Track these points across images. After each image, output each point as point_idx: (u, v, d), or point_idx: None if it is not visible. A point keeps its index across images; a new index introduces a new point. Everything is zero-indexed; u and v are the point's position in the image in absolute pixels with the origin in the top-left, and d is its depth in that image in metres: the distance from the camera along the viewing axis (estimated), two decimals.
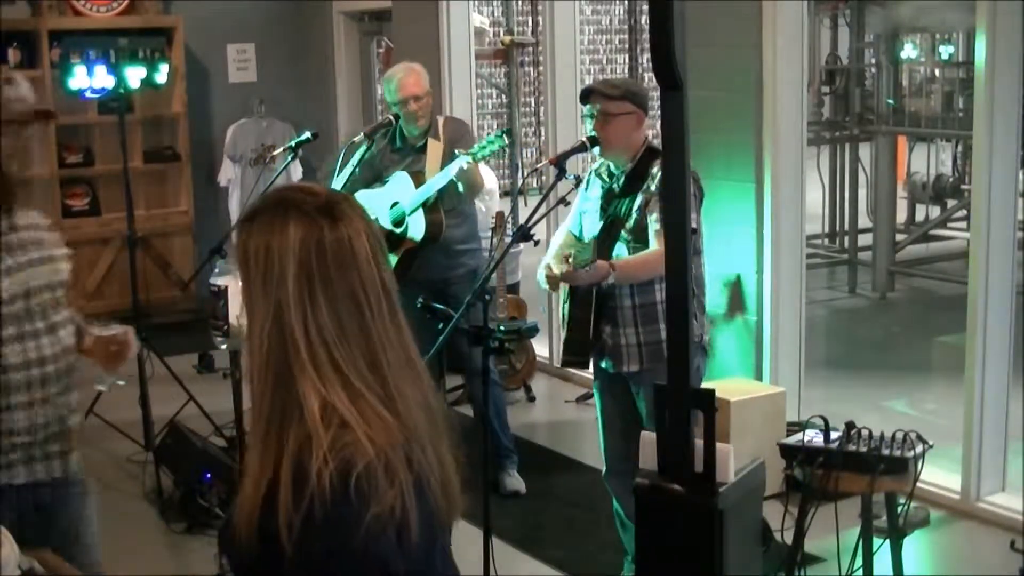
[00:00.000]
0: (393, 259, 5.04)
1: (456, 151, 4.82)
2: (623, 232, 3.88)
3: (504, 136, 4.61)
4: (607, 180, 4.01)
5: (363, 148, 5.10)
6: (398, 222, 4.99)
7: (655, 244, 3.74)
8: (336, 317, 1.58)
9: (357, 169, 5.05)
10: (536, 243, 4.73)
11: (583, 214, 4.10)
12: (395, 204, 5.00)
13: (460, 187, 4.83)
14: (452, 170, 4.70)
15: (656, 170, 3.79)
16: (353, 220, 1.62)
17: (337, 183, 5.08)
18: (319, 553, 1.50)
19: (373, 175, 5.14)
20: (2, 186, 2.78)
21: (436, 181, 4.84)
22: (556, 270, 3.98)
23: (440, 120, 5.16)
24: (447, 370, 5.35)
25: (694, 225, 3.77)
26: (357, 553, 1.51)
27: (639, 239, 3.84)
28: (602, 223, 3.93)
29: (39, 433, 2.81)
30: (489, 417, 5.18)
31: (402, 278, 5.07)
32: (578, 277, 3.75)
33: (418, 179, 4.94)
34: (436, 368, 4.16)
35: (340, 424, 1.54)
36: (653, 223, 3.76)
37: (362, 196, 5.12)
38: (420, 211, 4.93)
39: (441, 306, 4.08)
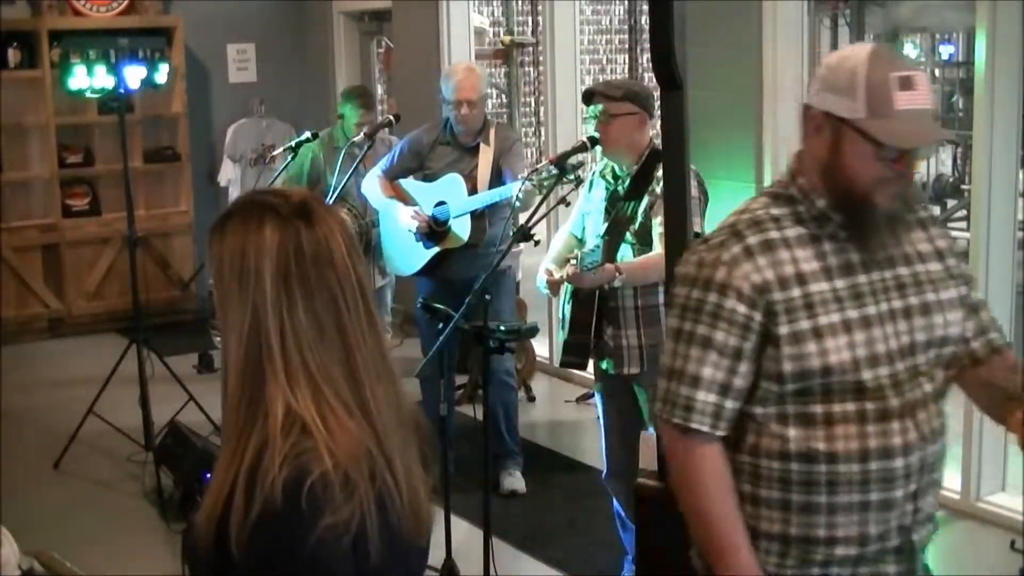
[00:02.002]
0: (426, 256, 5.05)
1: (503, 166, 4.87)
2: (628, 234, 3.87)
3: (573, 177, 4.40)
4: (611, 182, 4.00)
5: (365, 148, 5.12)
6: (440, 222, 5.00)
7: (659, 247, 3.73)
8: (315, 318, 1.57)
9: (358, 167, 5.07)
10: (536, 243, 4.72)
11: (586, 215, 4.09)
12: (441, 203, 5.01)
13: (517, 202, 4.75)
14: (514, 190, 4.60)
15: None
16: (327, 220, 1.62)
17: (339, 183, 5.09)
18: (265, 556, 1.49)
19: (417, 163, 5.16)
20: None
21: (492, 195, 4.83)
22: (557, 274, 3.98)
23: (493, 125, 5.15)
24: (451, 370, 5.36)
25: (698, 229, 3.77)
26: (304, 561, 1.50)
27: (644, 241, 3.84)
28: (607, 225, 3.93)
29: (871, 545, 2.06)
30: (498, 417, 5.20)
31: (432, 274, 5.09)
32: (583, 280, 3.75)
33: (471, 183, 4.95)
34: (440, 367, 4.16)
35: (301, 431, 1.52)
36: (657, 226, 3.75)
37: (408, 185, 5.15)
38: (467, 215, 4.95)
39: (441, 306, 4.08)
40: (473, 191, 4.94)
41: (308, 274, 1.57)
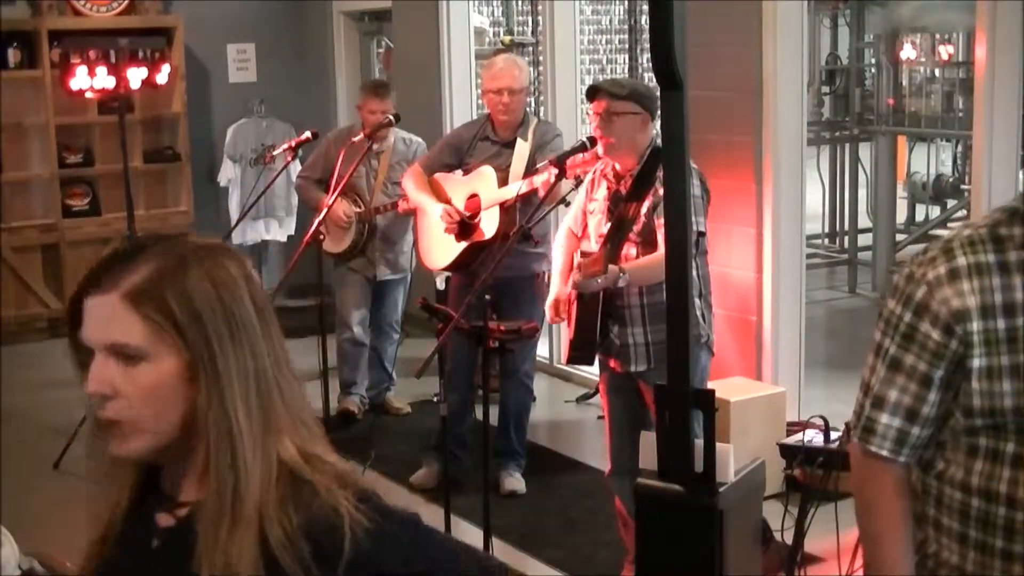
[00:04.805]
0: (457, 249, 5.05)
1: (540, 161, 4.79)
2: (631, 234, 3.87)
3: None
4: (613, 181, 3.99)
5: (367, 146, 5.14)
6: (471, 215, 5.01)
7: (663, 247, 3.73)
8: (286, 355, 1.45)
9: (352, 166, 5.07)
10: (536, 244, 4.72)
11: (588, 214, 4.09)
12: (473, 196, 5.01)
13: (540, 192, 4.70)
14: (537, 181, 4.60)
15: None
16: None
17: (341, 175, 5.09)
18: (402, 562, 1.41)
19: (457, 158, 5.17)
20: None
21: (518, 187, 4.80)
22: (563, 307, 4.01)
23: (533, 121, 5.15)
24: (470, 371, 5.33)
25: (702, 228, 3.77)
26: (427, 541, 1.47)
27: (647, 242, 3.83)
28: (610, 224, 3.92)
29: None
30: (509, 416, 5.21)
31: (463, 270, 5.09)
32: (590, 286, 3.74)
33: (503, 177, 4.95)
34: (441, 369, 4.14)
35: (318, 463, 1.41)
36: (662, 226, 3.74)
37: (442, 179, 5.15)
38: (496, 208, 4.93)
39: (441, 306, 4.08)
40: (504, 185, 4.94)
41: (266, 304, 1.44)
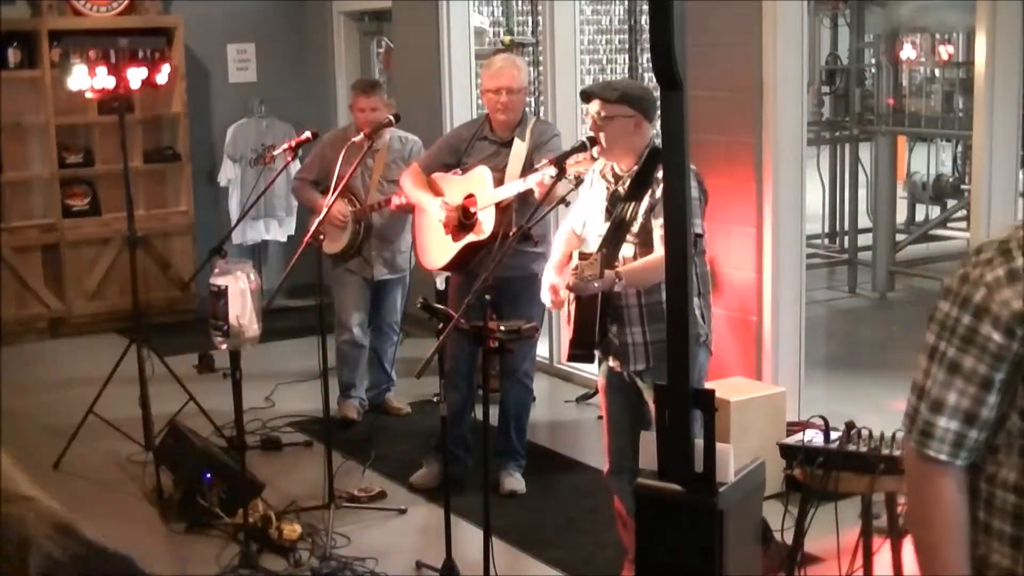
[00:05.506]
0: (454, 249, 5.05)
1: (536, 160, 4.78)
2: (629, 235, 3.86)
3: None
4: (612, 181, 3.99)
5: (367, 147, 5.14)
6: (468, 215, 5.00)
7: (660, 248, 3.72)
8: None
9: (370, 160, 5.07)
10: (536, 244, 4.72)
11: (586, 213, 4.09)
12: (469, 196, 5.01)
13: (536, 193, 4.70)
14: (532, 181, 4.60)
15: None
16: None
17: (340, 176, 5.09)
18: None
19: (455, 158, 5.17)
20: None
21: (513, 187, 4.80)
22: (561, 292, 3.97)
23: (532, 121, 5.15)
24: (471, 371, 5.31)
25: (699, 231, 3.76)
26: None
27: (645, 242, 3.83)
28: (608, 225, 3.92)
29: None
30: (509, 416, 5.21)
31: (461, 270, 5.09)
32: (586, 290, 3.74)
33: (499, 177, 4.94)
34: (440, 368, 4.14)
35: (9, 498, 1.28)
36: (658, 227, 3.74)
37: (440, 179, 5.16)
38: (492, 207, 4.93)
39: (442, 306, 4.08)
40: (500, 185, 4.93)
41: None
